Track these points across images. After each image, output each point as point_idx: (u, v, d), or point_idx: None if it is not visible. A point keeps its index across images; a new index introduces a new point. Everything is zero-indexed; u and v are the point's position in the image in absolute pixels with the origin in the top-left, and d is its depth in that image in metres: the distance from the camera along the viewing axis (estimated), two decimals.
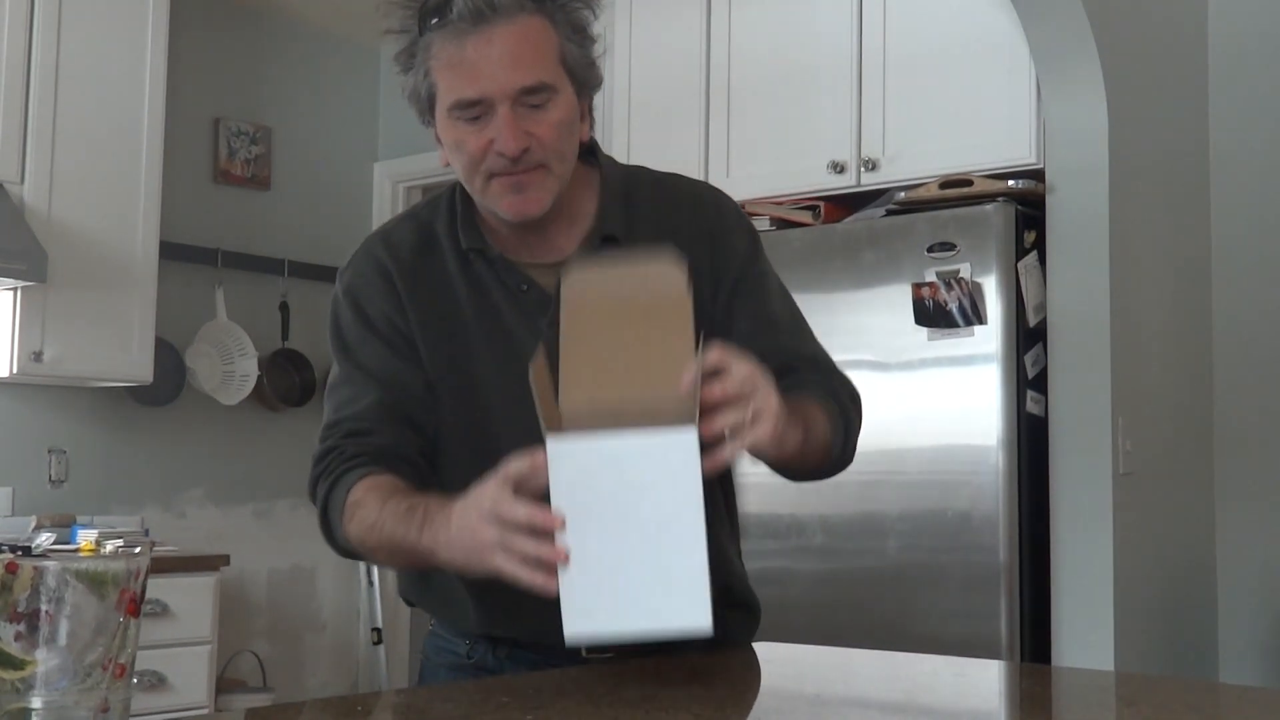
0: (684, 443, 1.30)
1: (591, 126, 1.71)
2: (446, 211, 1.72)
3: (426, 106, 1.63)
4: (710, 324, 1.63)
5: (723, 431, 1.36)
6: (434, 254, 1.70)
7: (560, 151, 1.61)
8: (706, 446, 1.35)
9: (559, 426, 1.35)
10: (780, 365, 1.60)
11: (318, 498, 1.65)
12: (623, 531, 1.30)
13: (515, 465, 1.36)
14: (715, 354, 1.38)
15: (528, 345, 1.55)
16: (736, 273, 1.70)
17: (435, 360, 1.67)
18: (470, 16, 1.54)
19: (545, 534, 1.32)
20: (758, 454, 1.47)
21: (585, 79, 1.64)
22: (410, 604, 1.84)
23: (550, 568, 1.31)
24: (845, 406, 1.68)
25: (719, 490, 1.78)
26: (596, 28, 1.66)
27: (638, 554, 1.30)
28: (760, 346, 1.58)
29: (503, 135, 1.55)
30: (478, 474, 1.62)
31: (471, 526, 1.38)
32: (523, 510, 1.33)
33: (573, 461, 1.30)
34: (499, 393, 1.63)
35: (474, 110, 1.57)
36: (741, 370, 1.39)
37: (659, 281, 1.42)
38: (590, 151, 1.73)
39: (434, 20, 1.57)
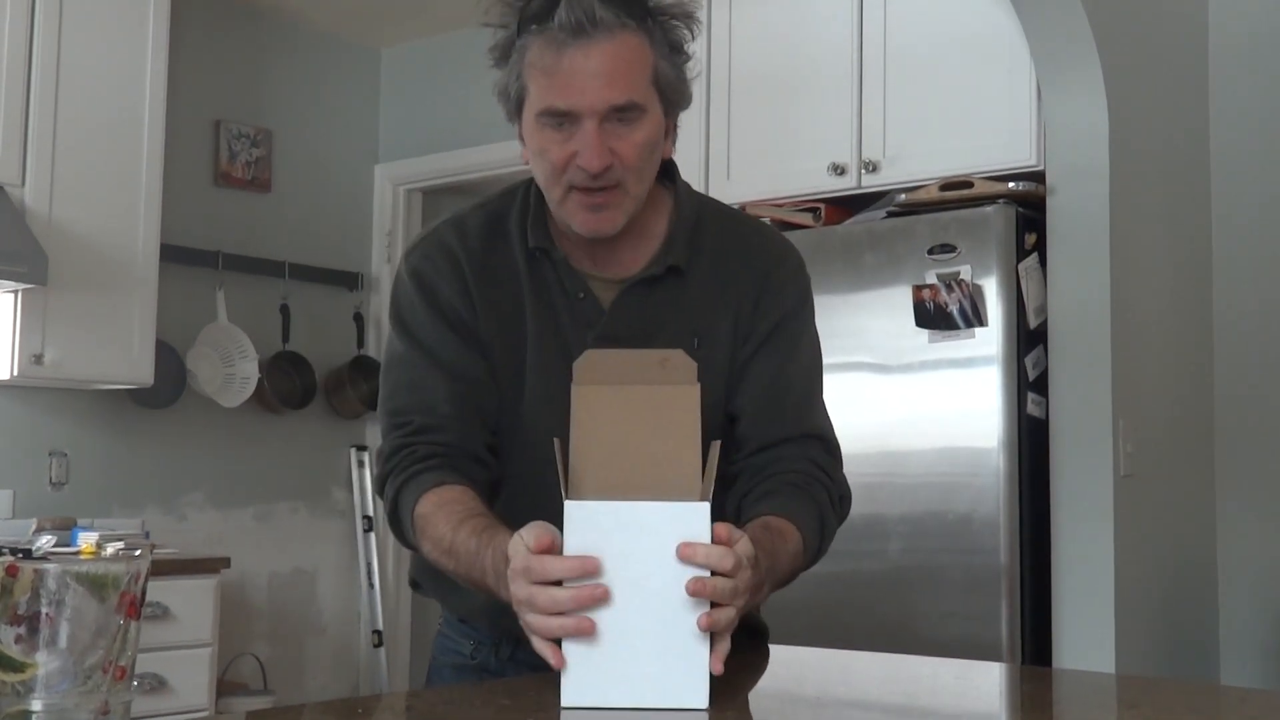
0: (697, 514, 1.34)
1: (674, 144, 1.72)
2: (520, 206, 1.72)
3: (515, 107, 1.63)
4: (733, 365, 1.67)
5: (711, 594, 1.35)
6: (504, 245, 1.71)
7: (640, 171, 1.62)
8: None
9: (578, 494, 1.39)
10: (781, 437, 1.66)
11: (386, 497, 1.66)
12: (630, 601, 1.33)
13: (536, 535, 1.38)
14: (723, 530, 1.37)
15: (575, 352, 1.55)
16: (774, 324, 1.71)
17: (492, 350, 1.68)
18: (571, 28, 1.54)
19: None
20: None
21: (675, 98, 1.65)
22: (418, 586, 1.85)
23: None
24: (826, 518, 1.66)
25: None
26: (691, 47, 1.67)
27: (642, 626, 1.33)
28: (768, 401, 1.64)
29: (587, 151, 1.56)
30: (509, 456, 1.68)
31: (512, 591, 1.39)
32: (564, 596, 1.34)
33: (589, 524, 1.34)
34: (543, 391, 1.65)
35: (561, 120, 1.57)
36: (727, 562, 1.36)
37: (669, 374, 1.44)
38: (667, 173, 1.73)
39: (534, 25, 1.57)
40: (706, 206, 1.78)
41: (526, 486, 1.66)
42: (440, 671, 1.81)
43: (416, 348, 1.69)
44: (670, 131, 1.69)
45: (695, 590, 1.33)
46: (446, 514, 1.56)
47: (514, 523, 1.68)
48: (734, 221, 1.80)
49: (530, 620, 1.36)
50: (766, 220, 3.74)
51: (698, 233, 1.72)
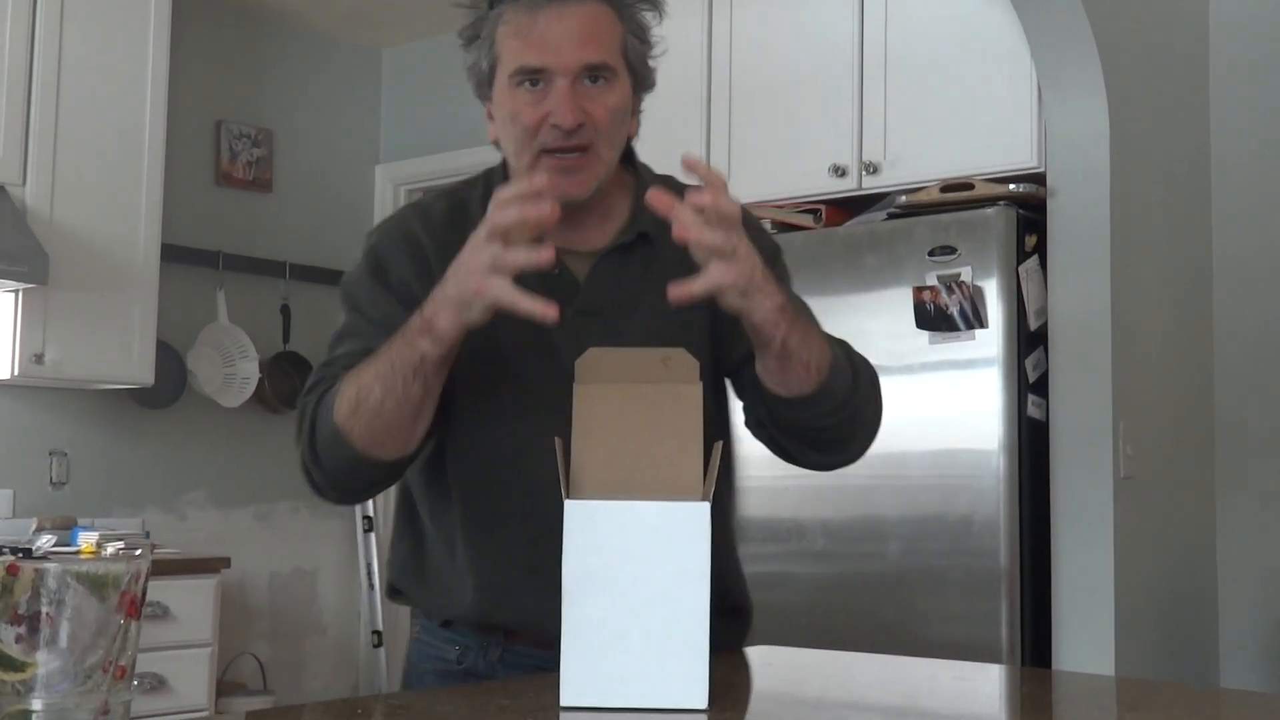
0: (696, 514, 1.34)
1: (637, 128, 1.75)
2: (482, 188, 1.73)
3: (486, 78, 1.67)
4: (723, 319, 1.64)
5: (699, 240, 1.41)
6: (467, 227, 1.67)
7: (610, 136, 1.65)
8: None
9: (579, 494, 1.38)
10: None
11: (305, 418, 1.63)
12: (629, 600, 1.33)
13: (506, 189, 1.43)
14: (713, 177, 1.44)
15: (556, 328, 1.53)
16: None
17: None
18: None
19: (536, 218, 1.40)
20: (748, 326, 1.50)
21: (641, 74, 1.70)
22: (398, 594, 1.81)
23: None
24: (852, 357, 1.68)
25: (725, 488, 1.79)
26: (656, 32, 1.72)
27: (642, 625, 1.33)
28: None
29: (560, 107, 1.59)
30: (494, 442, 1.65)
31: (466, 258, 1.44)
32: (511, 208, 1.41)
33: (589, 523, 1.34)
34: (523, 364, 1.64)
35: (535, 79, 1.61)
36: (732, 205, 1.43)
37: (671, 373, 1.44)
38: (628, 156, 1.77)
39: None
40: (670, 180, 1.79)
41: (508, 459, 1.65)
42: (422, 679, 1.77)
43: (362, 318, 1.68)
44: (636, 110, 1.73)
45: (684, 235, 1.39)
46: (360, 364, 1.56)
47: (487, 484, 1.68)
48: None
49: (493, 259, 1.40)
50: (766, 221, 3.75)
51: None
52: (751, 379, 1.64)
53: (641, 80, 1.71)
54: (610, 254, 1.70)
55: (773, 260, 1.75)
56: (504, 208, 1.42)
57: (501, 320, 1.48)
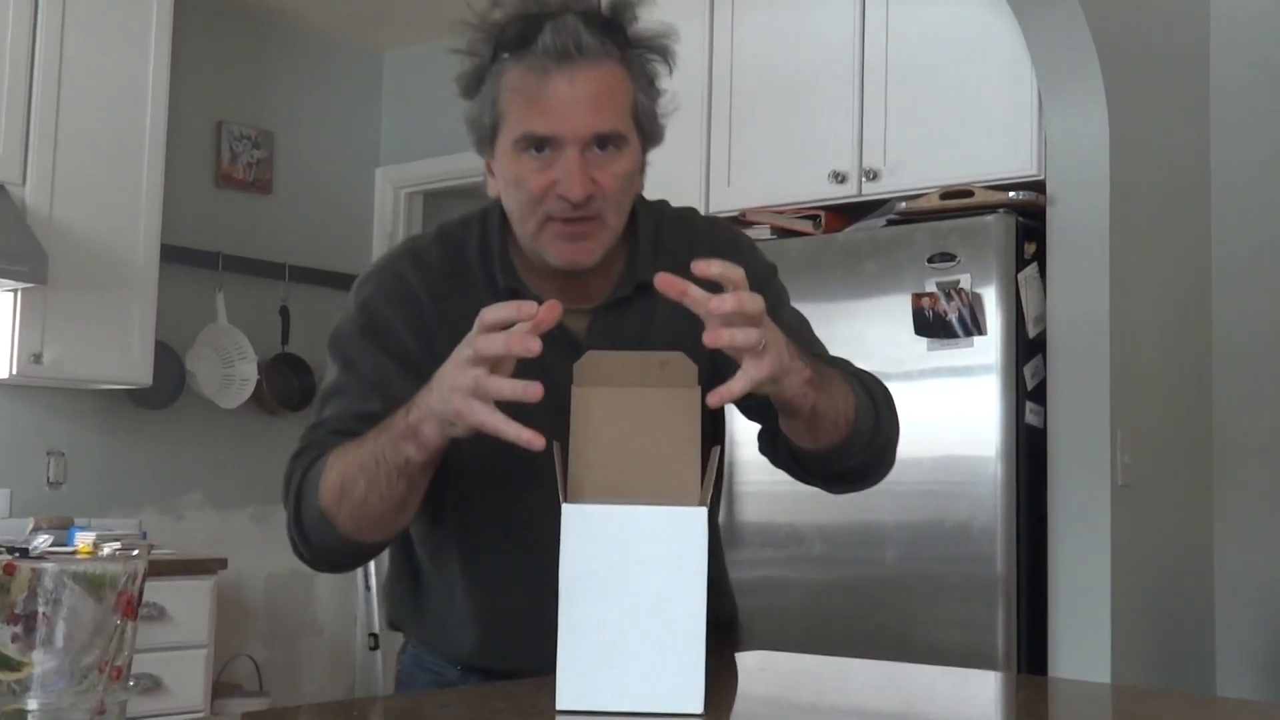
0: (693, 518, 1.34)
1: (643, 184, 1.68)
2: (479, 239, 1.66)
3: (488, 136, 1.58)
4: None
5: (731, 343, 1.35)
6: (465, 282, 1.64)
7: (619, 204, 1.58)
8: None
9: (577, 498, 1.38)
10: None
11: (290, 489, 1.58)
12: (626, 605, 1.33)
13: (495, 310, 1.36)
14: (729, 273, 1.37)
15: (556, 386, 1.44)
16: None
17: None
18: (556, 53, 1.50)
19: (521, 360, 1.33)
20: (776, 401, 1.47)
21: (650, 132, 1.62)
22: (397, 628, 1.79)
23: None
24: (870, 389, 1.64)
25: (714, 502, 1.78)
26: (664, 82, 1.63)
27: (638, 630, 1.33)
28: None
29: (569, 179, 1.51)
30: (495, 502, 1.61)
31: (449, 376, 1.37)
32: (498, 339, 1.33)
33: (586, 527, 1.33)
34: (527, 424, 1.49)
35: (542, 147, 1.53)
36: (755, 300, 1.36)
37: (669, 376, 1.43)
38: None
39: (511, 51, 1.53)
40: (662, 215, 1.73)
41: (509, 519, 1.63)
42: (421, 689, 1.74)
43: (354, 376, 1.61)
44: (643, 167, 1.65)
45: (717, 341, 1.34)
46: (351, 442, 1.51)
47: (490, 544, 1.65)
48: (687, 221, 1.76)
49: (475, 383, 1.34)
50: (767, 226, 3.75)
51: (658, 246, 1.68)
52: (760, 405, 1.59)
53: (650, 137, 1.62)
54: (608, 308, 1.64)
55: (768, 281, 1.72)
56: (490, 338, 1.34)
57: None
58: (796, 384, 1.45)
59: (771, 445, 1.68)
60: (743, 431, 1.82)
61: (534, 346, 1.33)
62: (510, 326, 1.35)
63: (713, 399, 1.38)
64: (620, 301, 1.64)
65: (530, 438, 1.33)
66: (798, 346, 1.47)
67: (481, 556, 1.66)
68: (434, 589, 1.72)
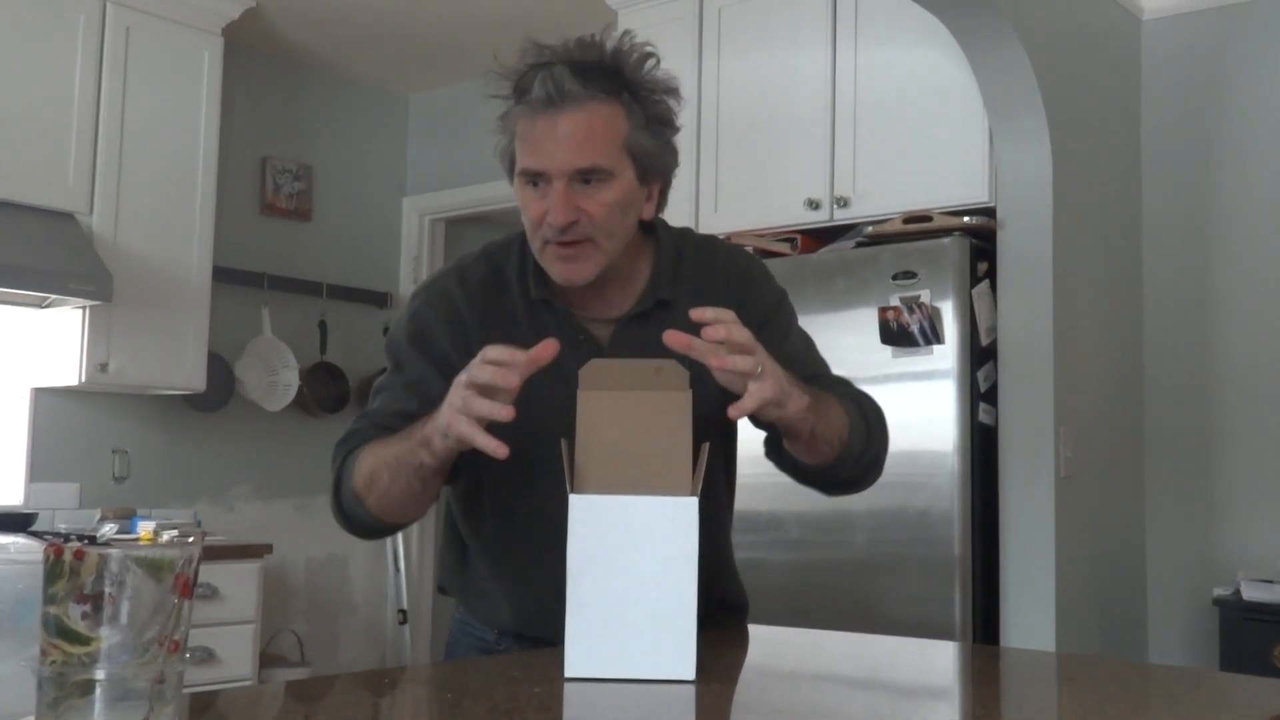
0: (687, 507, 1.35)
1: (660, 208, 1.68)
2: (518, 259, 1.68)
3: (509, 167, 1.62)
4: None
5: (733, 367, 1.40)
6: (504, 295, 1.67)
7: (609, 229, 1.58)
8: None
9: (582, 489, 1.38)
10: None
11: (335, 469, 1.65)
12: (626, 583, 1.34)
13: (493, 350, 1.40)
14: (721, 315, 1.41)
15: (575, 373, 1.49)
16: (762, 317, 1.64)
17: None
18: (544, 100, 1.53)
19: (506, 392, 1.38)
20: (781, 425, 1.50)
21: (651, 165, 1.61)
22: (445, 593, 1.82)
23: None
24: (864, 410, 1.68)
25: (726, 499, 1.79)
26: (680, 119, 1.64)
27: (637, 606, 1.34)
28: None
29: (555, 208, 1.54)
30: (527, 494, 1.62)
31: (450, 398, 1.42)
32: (488, 370, 1.38)
33: (591, 515, 1.35)
34: (556, 426, 1.51)
35: (537, 180, 1.56)
36: (743, 332, 1.42)
37: (663, 381, 1.44)
38: (648, 226, 1.70)
39: (522, 98, 1.56)
40: (685, 240, 1.74)
41: (532, 505, 1.63)
42: (465, 653, 1.76)
43: (401, 378, 1.66)
44: (653, 195, 1.65)
45: (723, 366, 1.39)
46: (387, 435, 1.58)
47: (517, 527, 1.67)
48: (708, 248, 1.76)
49: (464, 402, 1.38)
50: (749, 247, 3.75)
51: (679, 267, 1.69)
52: (769, 426, 1.62)
53: (652, 169, 1.61)
54: (630, 320, 1.65)
55: (778, 305, 1.74)
56: (481, 368, 1.39)
57: (538, 385, 1.45)
58: (797, 410, 1.48)
59: (776, 453, 1.70)
60: (766, 459, 1.80)
61: (513, 381, 1.39)
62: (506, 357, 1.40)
63: (732, 412, 1.43)
64: (642, 315, 1.65)
65: (495, 447, 1.38)
66: (796, 377, 1.51)
67: (511, 538, 1.68)
68: (476, 560, 1.73)
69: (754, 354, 1.42)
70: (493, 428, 1.40)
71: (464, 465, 1.57)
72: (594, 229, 1.56)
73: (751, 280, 1.73)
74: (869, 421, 1.67)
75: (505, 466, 1.54)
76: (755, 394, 1.41)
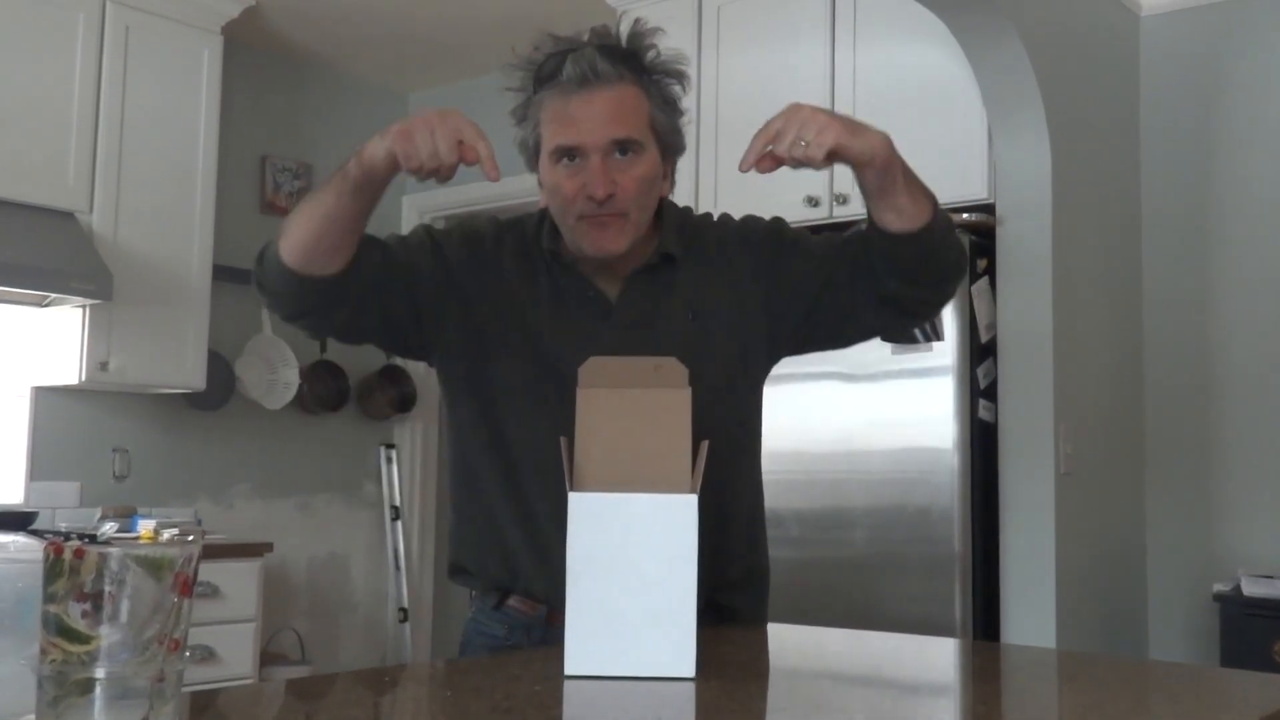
0: (685, 505, 1.35)
1: (672, 187, 1.77)
2: (538, 220, 1.77)
3: (533, 154, 1.69)
4: (779, 295, 1.73)
5: (791, 146, 1.54)
6: (520, 239, 1.77)
7: (641, 201, 1.66)
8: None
9: (582, 487, 1.39)
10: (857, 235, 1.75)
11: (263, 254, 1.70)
12: (626, 581, 1.34)
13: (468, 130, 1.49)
14: (753, 145, 1.54)
15: (589, 328, 1.67)
16: (769, 240, 1.79)
17: (497, 316, 1.71)
18: (577, 79, 1.62)
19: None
20: (872, 167, 1.62)
21: (670, 143, 1.71)
22: (460, 572, 1.80)
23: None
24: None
25: (753, 460, 1.88)
26: (685, 102, 1.74)
27: (637, 603, 1.34)
28: (830, 251, 1.76)
29: (593, 180, 1.61)
30: (549, 444, 1.61)
31: (420, 115, 1.54)
32: (468, 130, 1.48)
33: (591, 513, 1.35)
34: (561, 360, 1.62)
35: (572, 155, 1.63)
36: (770, 126, 1.54)
37: (662, 379, 1.44)
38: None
39: (547, 83, 1.64)
40: (688, 213, 1.85)
41: (558, 458, 1.65)
42: (477, 653, 1.77)
43: (399, 238, 1.79)
44: (668, 175, 1.75)
45: (783, 156, 1.56)
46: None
47: (527, 482, 1.71)
48: (707, 217, 1.87)
49: (441, 118, 1.51)
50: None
51: (684, 229, 1.78)
52: (853, 261, 1.73)
53: (670, 147, 1.72)
54: (638, 274, 1.73)
55: (780, 227, 1.84)
56: (467, 126, 1.50)
57: (555, 336, 1.59)
58: (877, 142, 1.62)
59: (877, 296, 1.73)
60: (868, 324, 1.84)
61: (469, 157, 1.48)
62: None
63: (758, 164, 1.60)
64: (649, 269, 1.73)
65: (474, 137, 1.48)
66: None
67: (535, 488, 1.70)
68: (502, 520, 1.73)
69: (792, 120, 1.53)
70: (508, 361, 1.55)
71: (470, 391, 1.69)
72: (627, 202, 1.64)
73: (745, 225, 1.85)
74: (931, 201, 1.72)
75: (532, 420, 1.65)
76: (823, 142, 1.53)
